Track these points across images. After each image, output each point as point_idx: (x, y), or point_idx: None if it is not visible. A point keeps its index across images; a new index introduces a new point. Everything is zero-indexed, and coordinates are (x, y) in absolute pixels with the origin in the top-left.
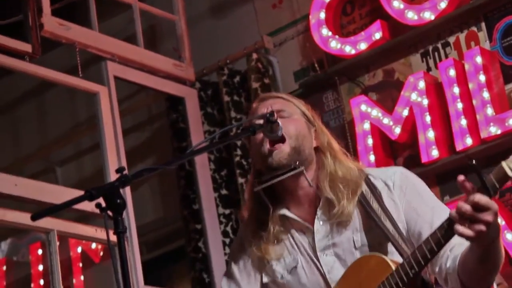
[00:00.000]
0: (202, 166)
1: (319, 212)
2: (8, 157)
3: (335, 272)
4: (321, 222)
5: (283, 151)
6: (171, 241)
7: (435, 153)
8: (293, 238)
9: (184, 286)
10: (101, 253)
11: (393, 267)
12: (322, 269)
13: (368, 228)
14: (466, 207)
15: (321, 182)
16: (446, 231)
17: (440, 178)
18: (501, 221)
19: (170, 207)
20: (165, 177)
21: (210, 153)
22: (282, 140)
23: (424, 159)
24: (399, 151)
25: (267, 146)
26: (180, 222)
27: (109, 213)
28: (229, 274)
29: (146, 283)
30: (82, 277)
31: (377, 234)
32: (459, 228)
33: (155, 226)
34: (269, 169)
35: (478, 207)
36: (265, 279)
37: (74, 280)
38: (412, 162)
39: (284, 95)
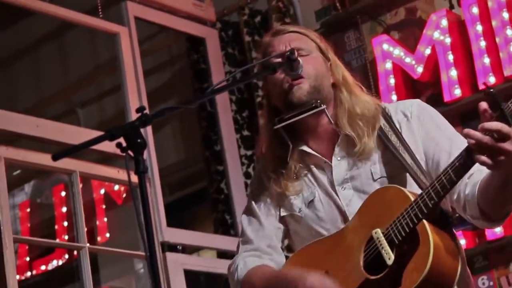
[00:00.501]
0: (224, 107)
1: (337, 149)
2: (30, 99)
3: (354, 205)
4: (339, 158)
5: (302, 87)
6: (193, 183)
7: (457, 92)
8: (312, 174)
9: (207, 228)
10: (124, 195)
11: (412, 199)
12: (341, 202)
13: (386, 160)
14: (486, 138)
15: (339, 119)
16: (465, 160)
17: (463, 117)
18: None
19: (192, 149)
20: (187, 119)
21: (232, 94)
22: (301, 77)
23: (446, 98)
24: (422, 90)
25: (287, 83)
26: (202, 163)
27: (130, 153)
28: (248, 211)
29: (168, 225)
30: (105, 219)
31: (395, 166)
32: (480, 157)
33: (177, 168)
34: (289, 106)
35: (499, 136)
36: (283, 213)
37: (97, 222)
38: (435, 101)
39: (298, 28)
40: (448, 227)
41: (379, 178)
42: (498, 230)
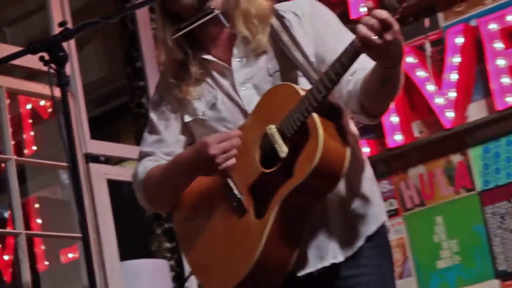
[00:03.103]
0: (144, 25)
1: (235, 51)
2: None
3: (254, 103)
4: (238, 59)
5: None
6: (115, 98)
7: (364, 9)
8: (213, 79)
9: (129, 140)
10: (50, 110)
11: (302, 94)
12: (241, 102)
13: (279, 57)
14: (373, 21)
15: (236, 21)
16: (351, 54)
17: None
18: (425, 73)
19: (114, 66)
20: (109, 37)
21: (152, 12)
22: None
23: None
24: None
25: None
26: (124, 79)
27: (53, 66)
28: (150, 126)
29: (92, 138)
30: (32, 133)
31: (287, 63)
32: (362, 31)
33: (101, 84)
34: (184, 11)
35: (384, 23)
36: (186, 119)
37: (24, 136)
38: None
39: None
40: (338, 119)
41: (274, 72)
42: (398, 139)
